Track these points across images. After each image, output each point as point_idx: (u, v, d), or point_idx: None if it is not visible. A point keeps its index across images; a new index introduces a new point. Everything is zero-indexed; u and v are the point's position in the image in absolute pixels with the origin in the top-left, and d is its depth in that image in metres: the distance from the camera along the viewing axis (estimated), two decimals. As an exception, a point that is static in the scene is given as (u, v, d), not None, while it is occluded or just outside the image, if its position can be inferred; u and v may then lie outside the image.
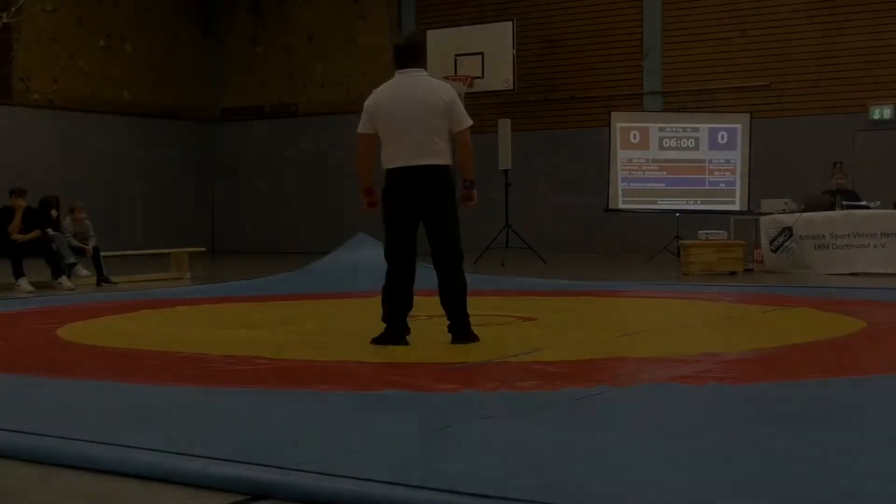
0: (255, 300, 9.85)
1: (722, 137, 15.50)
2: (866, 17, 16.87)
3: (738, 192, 15.43)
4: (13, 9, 16.58)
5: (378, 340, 6.24)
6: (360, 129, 6.48)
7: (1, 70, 19.07)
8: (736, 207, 15.38)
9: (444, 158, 6.34)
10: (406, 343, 6.24)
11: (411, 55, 6.54)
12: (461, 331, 6.35)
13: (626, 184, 15.77)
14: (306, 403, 4.36)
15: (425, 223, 6.39)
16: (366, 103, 6.45)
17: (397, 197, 6.32)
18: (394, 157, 6.38)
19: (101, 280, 12.31)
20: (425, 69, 6.62)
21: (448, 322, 6.41)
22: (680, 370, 5.28)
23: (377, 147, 6.51)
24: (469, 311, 6.45)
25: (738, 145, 15.45)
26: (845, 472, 3.15)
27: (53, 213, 12.31)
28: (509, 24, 17.99)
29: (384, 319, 6.33)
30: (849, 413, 4.21)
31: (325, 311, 8.64)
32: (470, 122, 6.47)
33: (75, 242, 12.47)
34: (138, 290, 11.50)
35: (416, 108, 6.32)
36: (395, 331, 6.30)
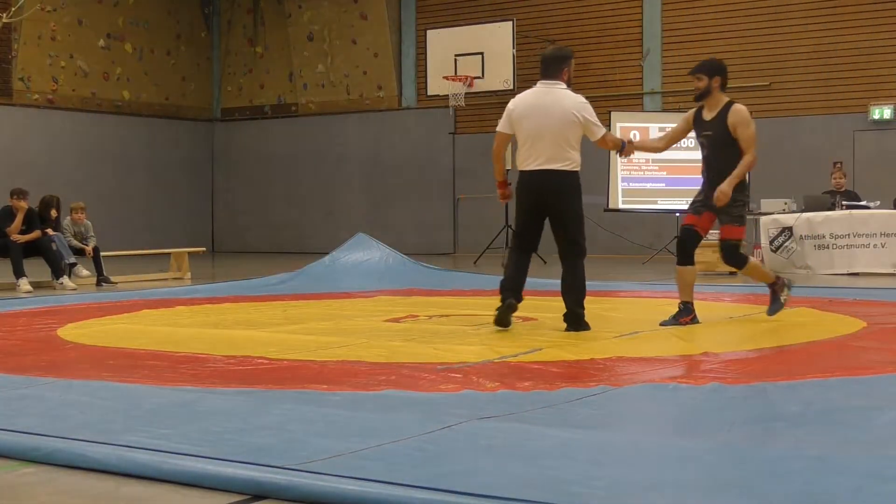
0: (255, 300, 9.85)
1: (722, 137, 15.48)
2: (866, 17, 16.87)
3: (738, 192, 15.40)
4: (13, 8, 16.58)
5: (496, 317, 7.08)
6: (498, 129, 7.20)
7: (1, 70, 19.07)
8: (736, 207, 15.35)
9: (571, 165, 7.03)
10: (504, 308, 6.95)
11: (549, 67, 7.16)
12: (575, 321, 6.96)
13: (626, 184, 15.78)
14: (306, 403, 4.36)
15: (551, 221, 7.08)
16: (507, 106, 7.21)
17: (527, 196, 7.08)
18: (527, 160, 7.06)
19: (101, 280, 12.32)
20: (565, 81, 7.19)
21: (565, 311, 7.02)
22: (680, 370, 5.28)
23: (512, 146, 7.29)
24: (584, 305, 7.08)
25: (738, 145, 15.43)
26: (845, 472, 3.15)
27: (53, 213, 12.32)
28: (509, 24, 18.00)
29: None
30: (849, 413, 4.21)
31: (325, 311, 8.64)
32: (603, 131, 7.18)
33: (75, 242, 12.47)
34: (138, 290, 11.50)
35: (549, 119, 6.97)
36: (501, 303, 7.01)
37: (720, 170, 7.25)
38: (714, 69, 7.37)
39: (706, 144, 7.39)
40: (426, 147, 20.46)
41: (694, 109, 7.52)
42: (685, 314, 7.28)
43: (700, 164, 7.67)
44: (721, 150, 7.26)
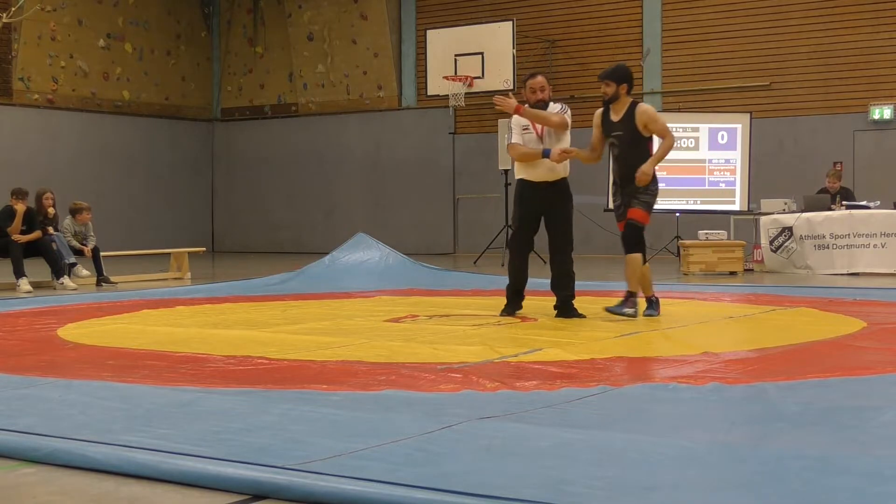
0: (255, 300, 9.85)
1: (722, 137, 15.50)
2: (866, 17, 16.88)
3: (738, 192, 15.43)
4: (13, 8, 16.58)
5: (502, 312, 7.93)
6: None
7: (1, 70, 19.07)
8: (736, 207, 15.38)
9: (566, 172, 7.90)
10: (511, 312, 7.90)
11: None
12: (568, 309, 7.83)
13: (626, 184, 15.76)
14: (306, 403, 4.36)
15: (551, 221, 7.90)
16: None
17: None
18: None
19: (101, 280, 12.32)
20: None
21: (556, 302, 7.92)
22: (680, 370, 5.28)
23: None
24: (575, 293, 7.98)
25: (738, 145, 15.45)
26: (845, 472, 3.15)
27: (51, 210, 12.31)
28: (509, 24, 17.98)
29: (507, 296, 8.06)
30: (849, 413, 4.21)
31: (325, 312, 8.64)
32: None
33: (74, 243, 12.47)
34: (138, 290, 11.50)
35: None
36: (509, 304, 7.98)
37: (631, 165, 7.72)
38: (622, 77, 7.86)
39: (616, 144, 7.82)
40: (426, 147, 20.46)
41: (600, 111, 7.99)
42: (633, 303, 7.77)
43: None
44: (631, 149, 7.74)
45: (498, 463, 3.31)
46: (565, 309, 7.88)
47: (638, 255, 7.74)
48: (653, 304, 7.86)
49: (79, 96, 20.30)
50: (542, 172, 7.84)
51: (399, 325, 7.50)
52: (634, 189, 7.67)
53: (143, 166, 21.40)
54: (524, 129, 7.90)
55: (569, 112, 7.98)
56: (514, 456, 3.41)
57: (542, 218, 7.95)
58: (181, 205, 22.18)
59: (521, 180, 7.96)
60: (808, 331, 6.95)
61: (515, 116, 7.94)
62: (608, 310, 7.70)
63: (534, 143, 7.84)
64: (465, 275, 13.00)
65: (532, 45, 19.00)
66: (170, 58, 22.07)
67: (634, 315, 7.58)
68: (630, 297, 7.68)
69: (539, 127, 7.84)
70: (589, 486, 3.01)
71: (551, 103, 7.98)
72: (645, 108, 7.77)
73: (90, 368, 5.59)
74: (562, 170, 7.86)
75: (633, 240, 7.75)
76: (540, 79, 8.04)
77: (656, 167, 7.71)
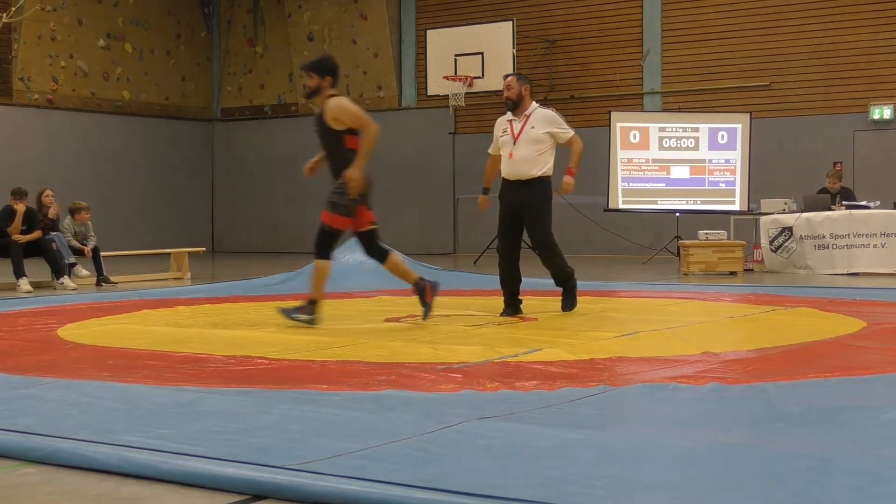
0: (255, 300, 9.85)
1: (722, 137, 15.51)
2: (866, 17, 16.88)
3: (738, 192, 15.44)
4: (13, 8, 16.58)
5: (501, 314, 7.90)
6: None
7: (1, 70, 19.07)
8: (736, 207, 15.39)
9: (539, 171, 7.93)
10: (511, 314, 7.86)
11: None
12: (566, 298, 8.09)
13: (626, 184, 15.78)
14: (306, 403, 4.36)
15: (524, 220, 7.94)
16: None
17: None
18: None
19: (101, 280, 12.32)
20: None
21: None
22: (680, 370, 5.28)
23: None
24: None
25: (738, 145, 15.46)
26: (845, 472, 3.15)
27: (53, 211, 12.30)
28: (509, 24, 18.00)
29: (504, 299, 8.08)
30: (849, 413, 4.21)
31: (325, 312, 8.64)
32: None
33: (74, 243, 12.47)
34: (138, 290, 11.50)
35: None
36: (507, 307, 7.96)
37: (332, 161, 7.34)
38: (326, 70, 7.32)
39: (318, 138, 7.40)
40: (426, 147, 20.46)
41: None
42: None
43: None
44: (326, 144, 7.32)
45: (498, 463, 3.30)
46: (564, 300, 8.13)
47: (326, 262, 7.38)
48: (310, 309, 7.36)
49: (79, 96, 20.30)
50: (510, 171, 7.95)
51: (399, 325, 7.50)
52: (332, 189, 7.27)
53: (143, 166, 21.40)
54: (503, 132, 8.05)
55: (553, 114, 8.13)
56: (514, 456, 3.41)
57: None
58: (181, 205, 22.18)
59: (502, 179, 8.12)
60: (808, 331, 6.95)
61: (498, 120, 8.11)
62: (282, 311, 7.38)
63: (509, 146, 7.96)
64: (465, 275, 13.00)
65: (532, 45, 19.00)
66: (170, 58, 22.07)
67: (312, 322, 7.23)
68: (311, 304, 7.30)
69: (516, 131, 7.93)
70: (589, 486, 3.01)
71: (533, 103, 8.06)
72: (334, 103, 7.19)
73: (90, 368, 5.59)
74: (533, 168, 7.87)
75: (320, 243, 7.38)
76: (508, 79, 8.06)
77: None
